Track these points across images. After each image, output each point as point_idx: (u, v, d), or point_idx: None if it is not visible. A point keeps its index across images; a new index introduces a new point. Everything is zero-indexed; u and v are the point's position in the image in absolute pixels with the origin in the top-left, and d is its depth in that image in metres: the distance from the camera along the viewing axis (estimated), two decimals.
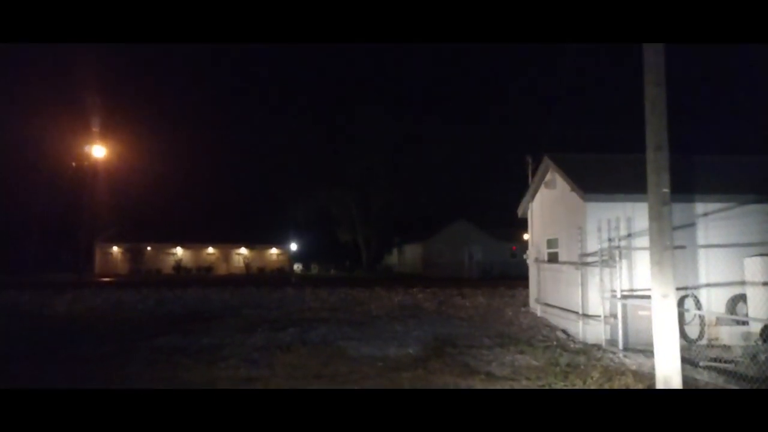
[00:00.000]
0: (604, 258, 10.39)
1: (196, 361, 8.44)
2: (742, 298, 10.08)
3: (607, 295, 10.24)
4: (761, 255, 9.56)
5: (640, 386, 6.96)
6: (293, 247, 46.57)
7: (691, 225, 10.61)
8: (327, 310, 14.72)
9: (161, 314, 14.14)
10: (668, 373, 6.33)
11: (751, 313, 9.44)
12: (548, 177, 13.49)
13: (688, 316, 9.84)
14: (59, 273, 35.94)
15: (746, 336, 9.74)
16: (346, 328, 11.62)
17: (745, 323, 9.77)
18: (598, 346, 9.85)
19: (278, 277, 37.70)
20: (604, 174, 11.92)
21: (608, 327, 10.13)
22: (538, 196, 14.65)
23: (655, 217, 6.70)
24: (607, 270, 10.33)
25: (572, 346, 10.02)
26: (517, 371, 7.95)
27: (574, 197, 11.53)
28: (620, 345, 9.56)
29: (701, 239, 10.63)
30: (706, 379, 7.53)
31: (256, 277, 36.51)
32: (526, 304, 15.36)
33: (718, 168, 12.49)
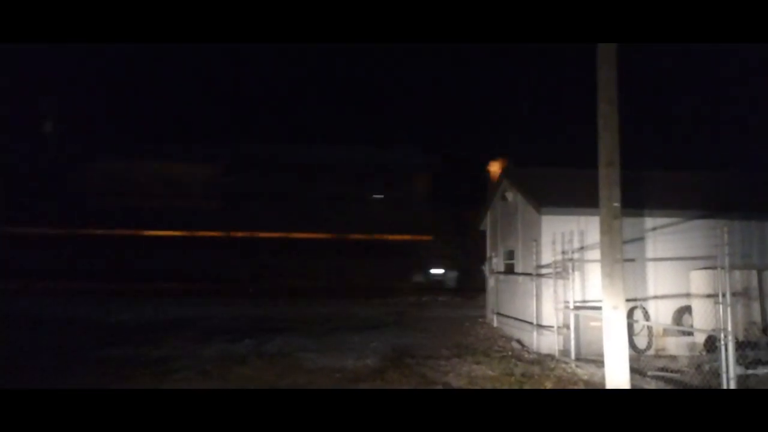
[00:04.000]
0: (558, 270, 10.63)
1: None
2: (688, 309, 10.48)
3: (561, 306, 10.48)
4: (706, 268, 9.96)
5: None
6: None
7: (641, 239, 10.99)
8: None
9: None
10: (618, 383, 6.52)
11: (696, 324, 9.82)
12: (506, 190, 13.75)
13: (637, 327, 10.16)
14: None
15: (692, 346, 10.12)
16: (304, 339, 11.53)
17: (690, 334, 10.14)
18: (551, 357, 10.04)
19: None
20: (560, 188, 12.23)
21: (561, 338, 10.36)
22: (496, 208, 14.91)
23: (606, 230, 6.92)
24: (560, 282, 10.58)
25: (527, 356, 10.19)
26: (474, 381, 8.03)
27: (530, 210, 11.79)
28: (572, 355, 9.78)
29: (650, 253, 11.01)
30: (653, 388, 7.78)
31: None
32: (483, 315, 15.55)
33: (667, 184, 12.98)
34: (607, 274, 6.77)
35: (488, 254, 15.54)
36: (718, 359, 6.74)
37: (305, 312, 16.67)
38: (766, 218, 11.20)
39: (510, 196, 13.39)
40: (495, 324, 13.96)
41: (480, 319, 15.02)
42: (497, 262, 14.51)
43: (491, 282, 14.88)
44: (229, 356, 9.55)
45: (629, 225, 9.94)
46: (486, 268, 15.53)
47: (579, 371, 8.84)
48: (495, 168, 27.88)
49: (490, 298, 14.94)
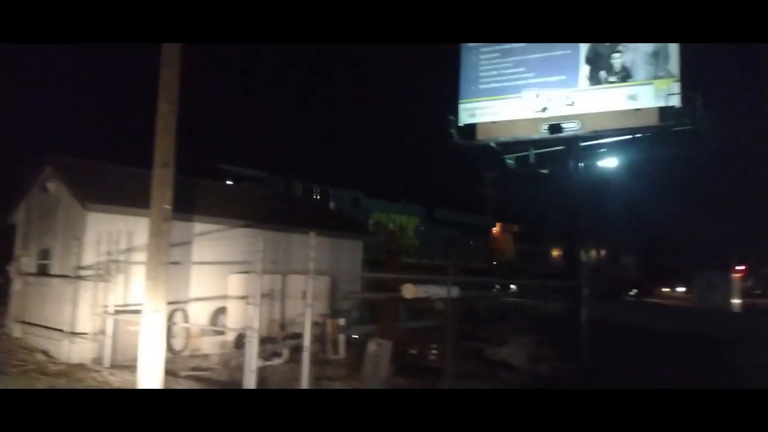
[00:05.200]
0: (101, 272, 9.96)
1: None
2: (224, 310, 11.37)
3: (100, 310, 9.82)
4: (241, 273, 11.02)
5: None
6: None
7: (188, 242, 11.36)
8: None
9: None
10: (150, 386, 6.49)
11: (230, 324, 10.74)
12: (47, 181, 12.07)
13: (176, 329, 10.40)
14: None
15: (223, 344, 10.98)
16: None
17: (224, 333, 11.01)
18: (82, 366, 9.26)
19: None
20: (112, 184, 11.52)
21: (97, 345, 9.69)
22: (34, 199, 12.91)
23: (155, 232, 6.85)
24: (102, 285, 9.92)
25: (53, 368, 9.10)
26: None
27: (75, 205, 10.68)
28: (107, 362, 9.27)
29: (195, 256, 11.49)
30: (184, 388, 8.06)
31: None
32: (3, 324, 13.14)
33: (216, 192, 13.86)
34: (152, 276, 6.71)
35: (17, 253, 13.27)
36: (243, 354, 7.49)
37: None
38: (292, 230, 13.22)
39: (52, 186, 11.82)
40: (17, 334, 11.97)
41: None
42: (28, 262, 12.55)
43: (17, 285, 12.74)
44: None
45: (178, 229, 10.13)
46: (12, 269, 13.21)
47: (111, 379, 8.43)
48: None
49: (14, 304, 12.77)
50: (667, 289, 51.25)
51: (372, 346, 8.83)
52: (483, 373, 9.47)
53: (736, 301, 34.75)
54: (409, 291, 8.71)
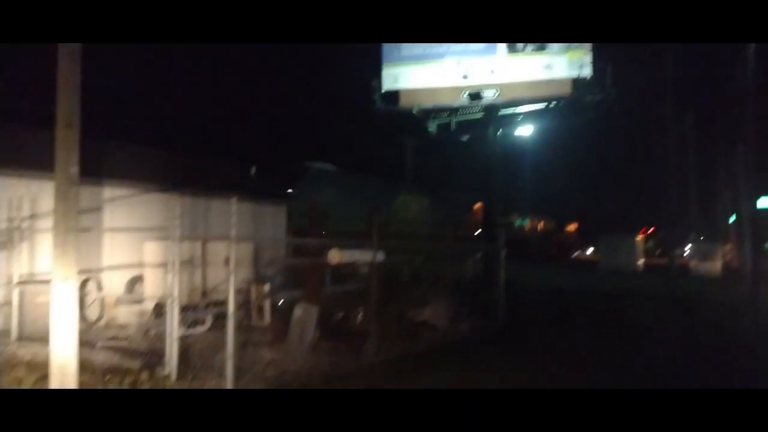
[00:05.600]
0: (2, 240, 9.27)
1: None
2: (140, 278, 10.94)
3: (3, 281, 9.17)
4: (158, 240, 10.61)
5: (33, 378, 6.53)
6: None
7: (99, 209, 10.76)
8: None
9: None
10: (64, 360, 6.17)
11: (148, 292, 10.36)
12: None
13: (89, 299, 9.93)
14: None
15: (141, 314, 10.60)
16: None
17: (142, 302, 10.62)
18: None
19: None
20: (12, 146, 10.64)
21: (2, 317, 9.08)
22: None
23: (61, 198, 6.41)
24: (4, 253, 9.25)
25: None
26: None
27: None
28: (14, 335, 8.72)
29: (108, 223, 10.93)
30: (102, 359, 7.75)
31: None
32: None
33: (129, 156, 13.11)
34: (60, 243, 6.30)
35: None
36: (163, 323, 7.28)
37: None
38: (212, 196, 12.82)
39: None
40: None
41: None
42: None
43: None
44: None
45: (88, 194, 9.57)
46: None
47: (21, 351, 7.96)
48: None
49: None
50: (578, 252, 55.02)
51: (298, 311, 8.83)
52: (407, 334, 9.75)
53: (639, 261, 37.57)
54: (334, 256, 8.75)
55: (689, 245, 40.16)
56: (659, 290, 21.84)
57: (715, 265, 31.24)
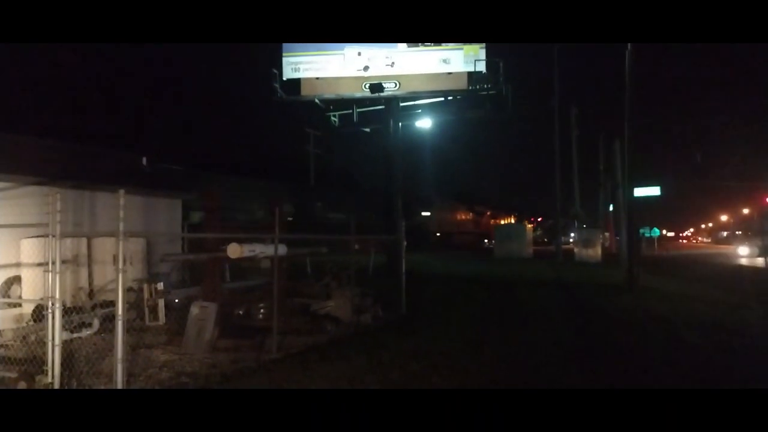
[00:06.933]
0: None
1: None
2: (18, 279, 10.02)
3: None
4: (38, 236, 9.76)
5: None
6: None
7: None
8: None
9: None
10: None
11: (26, 294, 9.51)
12: None
13: None
14: None
15: (19, 318, 9.73)
16: None
17: (19, 305, 9.73)
18: None
19: None
20: None
21: None
22: None
23: None
24: None
25: None
26: None
27: None
28: None
29: None
30: None
31: None
32: None
33: (4, 145, 11.93)
34: None
35: None
36: (44, 327, 6.72)
37: None
38: (98, 189, 11.98)
39: None
40: None
41: None
42: None
43: None
44: None
45: None
46: None
47: None
48: None
49: None
50: (487, 241, 58.11)
51: (195, 309, 8.47)
52: (310, 328, 9.68)
53: (530, 249, 39.86)
54: (234, 251, 8.46)
55: (572, 233, 43.23)
56: (547, 275, 23.35)
57: (596, 251, 33.77)
